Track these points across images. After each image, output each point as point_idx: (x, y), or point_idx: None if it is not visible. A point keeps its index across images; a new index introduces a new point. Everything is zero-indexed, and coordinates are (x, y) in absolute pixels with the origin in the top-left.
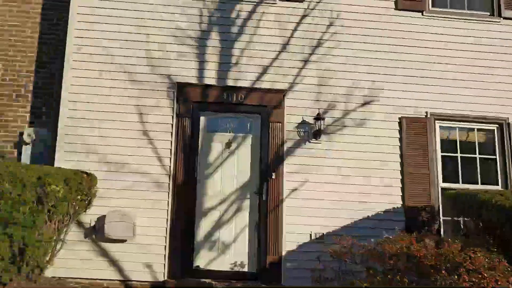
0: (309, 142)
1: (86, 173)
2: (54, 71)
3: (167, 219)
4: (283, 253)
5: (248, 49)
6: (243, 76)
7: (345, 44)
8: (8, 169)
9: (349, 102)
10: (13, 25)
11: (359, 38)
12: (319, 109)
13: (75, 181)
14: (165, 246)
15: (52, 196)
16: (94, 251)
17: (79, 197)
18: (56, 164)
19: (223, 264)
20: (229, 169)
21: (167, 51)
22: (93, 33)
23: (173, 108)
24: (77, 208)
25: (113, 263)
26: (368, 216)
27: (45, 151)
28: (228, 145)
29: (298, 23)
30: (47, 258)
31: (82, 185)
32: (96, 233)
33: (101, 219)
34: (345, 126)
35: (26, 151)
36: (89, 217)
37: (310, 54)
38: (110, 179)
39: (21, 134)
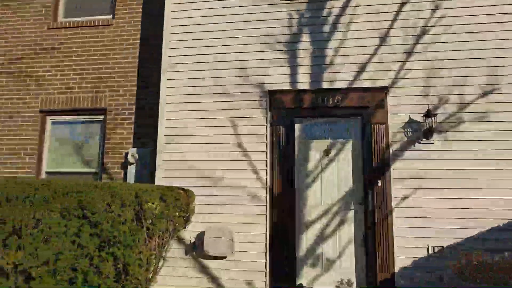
0: (419, 143)
1: (183, 189)
2: (153, 92)
3: (266, 234)
4: (396, 269)
5: (342, 47)
6: (338, 77)
7: (456, 28)
8: (109, 189)
9: (465, 94)
10: (116, 53)
11: (471, 19)
12: (428, 104)
13: (171, 198)
14: (265, 263)
15: (149, 214)
16: (195, 268)
17: (177, 213)
18: (157, 182)
19: (328, 282)
20: (329, 178)
21: (257, 59)
22: (184, 51)
23: (266, 117)
24: (176, 224)
25: (214, 280)
26: (500, 225)
27: (147, 170)
28: (326, 152)
29: (397, 12)
30: (150, 276)
31: (179, 202)
32: (196, 250)
33: (200, 236)
34: (462, 121)
35: (131, 170)
36: (189, 234)
37: (414, 45)
38: (207, 194)
39: (126, 155)
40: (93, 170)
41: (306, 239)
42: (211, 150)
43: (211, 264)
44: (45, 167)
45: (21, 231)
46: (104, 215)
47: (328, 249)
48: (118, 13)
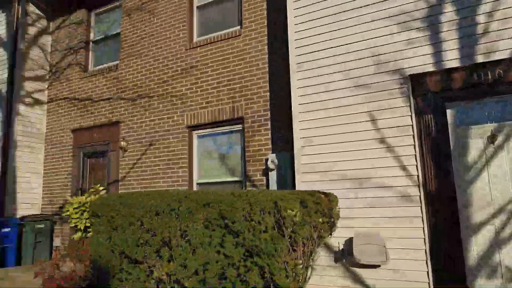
0: None
1: (324, 193)
2: (284, 95)
3: (424, 239)
4: None
5: (499, 9)
6: (496, 46)
7: None
8: (247, 197)
9: None
10: (247, 62)
11: None
12: None
13: (312, 203)
14: (427, 272)
15: (289, 221)
16: (345, 277)
17: (320, 219)
18: (297, 187)
19: None
20: (498, 169)
21: (392, 42)
22: (311, 48)
23: (409, 105)
24: (320, 231)
25: None
26: None
27: (288, 175)
28: (491, 138)
29: None
30: (298, 286)
31: (321, 206)
32: (345, 257)
33: (348, 242)
34: None
35: (272, 176)
36: (336, 240)
37: None
38: (351, 197)
39: (266, 161)
40: (237, 179)
41: (477, 245)
42: (350, 149)
43: (363, 273)
44: (196, 179)
45: (170, 243)
46: (244, 224)
47: (507, 256)
48: (245, 23)
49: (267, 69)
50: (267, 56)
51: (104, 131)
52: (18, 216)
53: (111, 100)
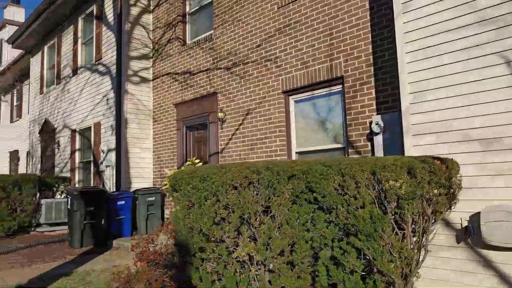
0: None
1: (440, 159)
2: (389, 45)
3: None
4: None
5: None
6: None
7: None
8: (338, 166)
9: None
10: (345, 12)
11: None
12: None
13: (423, 172)
14: None
15: (392, 195)
16: (471, 260)
17: (435, 191)
18: (406, 152)
19: None
20: None
21: None
22: None
23: None
24: (436, 205)
25: (505, 279)
26: None
27: (397, 138)
28: None
29: None
30: (408, 270)
31: (436, 176)
32: (470, 237)
33: (474, 218)
34: None
35: (377, 141)
36: (458, 216)
37: None
38: (476, 162)
39: (370, 124)
40: (338, 146)
41: None
42: (474, 102)
43: (495, 256)
44: (294, 148)
45: (250, 220)
46: (336, 198)
47: None
48: None
49: (368, 18)
50: (367, 1)
51: (203, 103)
52: (131, 190)
53: (208, 71)
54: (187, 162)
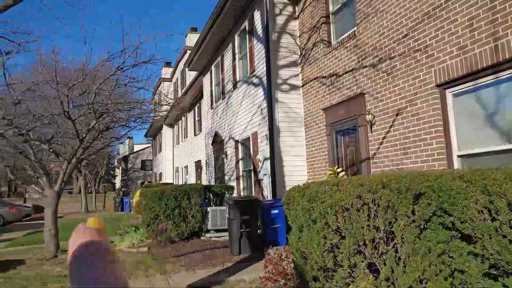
0: None
1: None
2: None
3: None
4: None
5: None
6: None
7: None
8: (482, 181)
9: None
10: None
11: None
12: None
13: None
14: None
15: None
16: None
17: None
18: None
19: None
20: None
21: None
22: None
23: None
24: None
25: None
26: None
27: None
28: None
29: None
30: None
31: None
32: None
33: None
34: None
35: None
36: None
37: None
38: None
39: None
40: None
41: None
42: None
43: None
44: (455, 150)
45: (365, 249)
46: (481, 225)
47: None
48: None
49: None
50: None
51: (351, 106)
52: None
53: (353, 71)
54: (329, 172)
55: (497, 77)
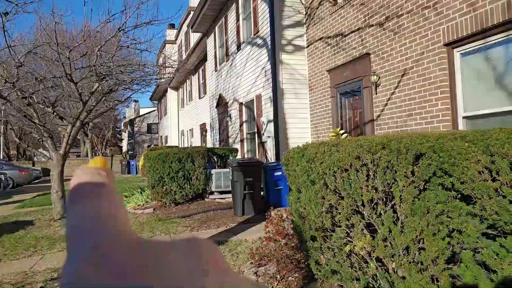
0: None
1: None
2: None
3: None
4: None
5: None
6: None
7: None
8: (483, 142)
9: None
10: None
11: None
12: None
13: None
14: None
15: None
16: None
17: None
18: None
19: None
20: None
21: None
22: None
23: None
24: None
25: None
26: None
27: None
28: None
29: None
30: None
31: None
32: None
33: None
34: None
35: None
36: None
37: None
38: None
39: None
40: None
41: None
42: None
43: None
44: (461, 112)
45: (364, 208)
46: (480, 186)
47: None
48: None
49: None
50: None
51: (356, 67)
52: None
53: (359, 30)
54: (331, 134)
55: (508, 36)
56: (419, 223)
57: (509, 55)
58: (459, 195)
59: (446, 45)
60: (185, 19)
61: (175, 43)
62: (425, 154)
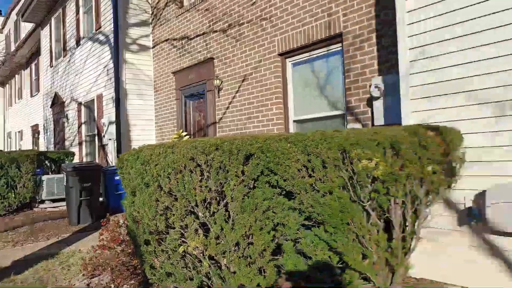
0: None
1: (436, 128)
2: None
3: None
4: None
5: None
6: None
7: None
8: (302, 143)
9: None
10: None
11: None
12: None
13: (413, 146)
14: None
15: (365, 177)
16: (475, 246)
17: (429, 168)
18: (404, 120)
19: None
20: None
21: None
22: None
23: None
24: (430, 185)
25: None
26: None
27: (396, 104)
28: None
29: None
30: (396, 262)
31: (428, 150)
32: (475, 219)
33: (480, 197)
34: None
35: (376, 107)
36: (461, 194)
37: None
38: (487, 130)
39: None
40: (338, 112)
41: None
42: (488, 54)
43: (505, 243)
44: (292, 116)
45: (197, 209)
46: (299, 182)
47: None
48: None
49: None
50: None
51: (200, 70)
52: None
53: (204, 35)
54: (173, 136)
55: (328, 50)
56: (248, 219)
57: (329, 67)
58: (283, 192)
59: (280, 55)
60: (15, 5)
61: (2, 32)
62: (254, 154)
